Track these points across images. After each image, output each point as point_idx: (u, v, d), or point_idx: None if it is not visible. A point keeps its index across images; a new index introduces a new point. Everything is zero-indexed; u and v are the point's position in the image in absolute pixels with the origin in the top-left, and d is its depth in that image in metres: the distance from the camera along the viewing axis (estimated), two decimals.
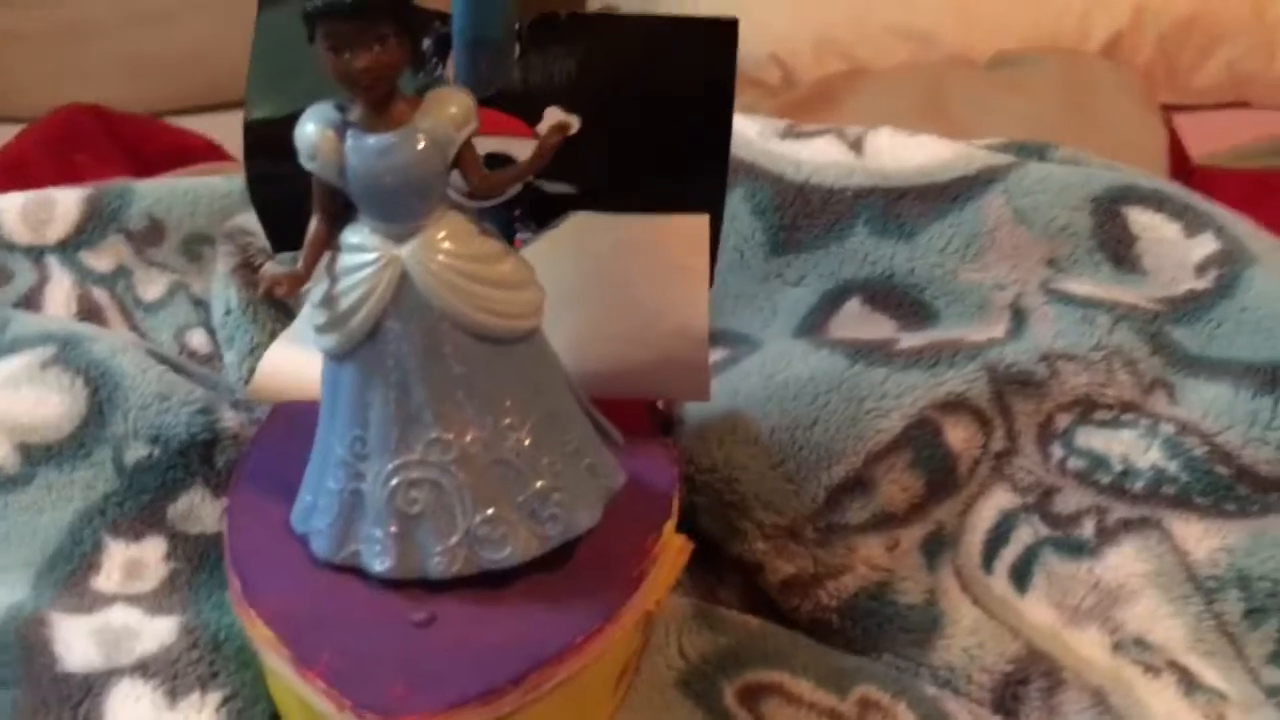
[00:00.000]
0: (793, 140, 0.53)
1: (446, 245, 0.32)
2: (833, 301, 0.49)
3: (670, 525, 0.37)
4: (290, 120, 0.33)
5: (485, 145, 0.37)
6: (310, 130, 0.32)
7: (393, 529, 0.33)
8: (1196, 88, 1.26)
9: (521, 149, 0.35)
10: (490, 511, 0.33)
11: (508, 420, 0.33)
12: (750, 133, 0.53)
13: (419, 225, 0.32)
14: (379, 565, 0.33)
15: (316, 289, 0.33)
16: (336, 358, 0.33)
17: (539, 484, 0.33)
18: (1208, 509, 0.42)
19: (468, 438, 0.33)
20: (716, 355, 0.49)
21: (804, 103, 0.93)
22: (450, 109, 0.32)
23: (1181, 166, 0.80)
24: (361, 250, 0.32)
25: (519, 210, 0.39)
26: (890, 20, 1.21)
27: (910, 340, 0.46)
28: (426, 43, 0.36)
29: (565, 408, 0.35)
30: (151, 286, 0.56)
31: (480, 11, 0.35)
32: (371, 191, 0.32)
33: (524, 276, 0.33)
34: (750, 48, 1.28)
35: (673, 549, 0.38)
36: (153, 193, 0.58)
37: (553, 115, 0.36)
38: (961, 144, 0.51)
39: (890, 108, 0.90)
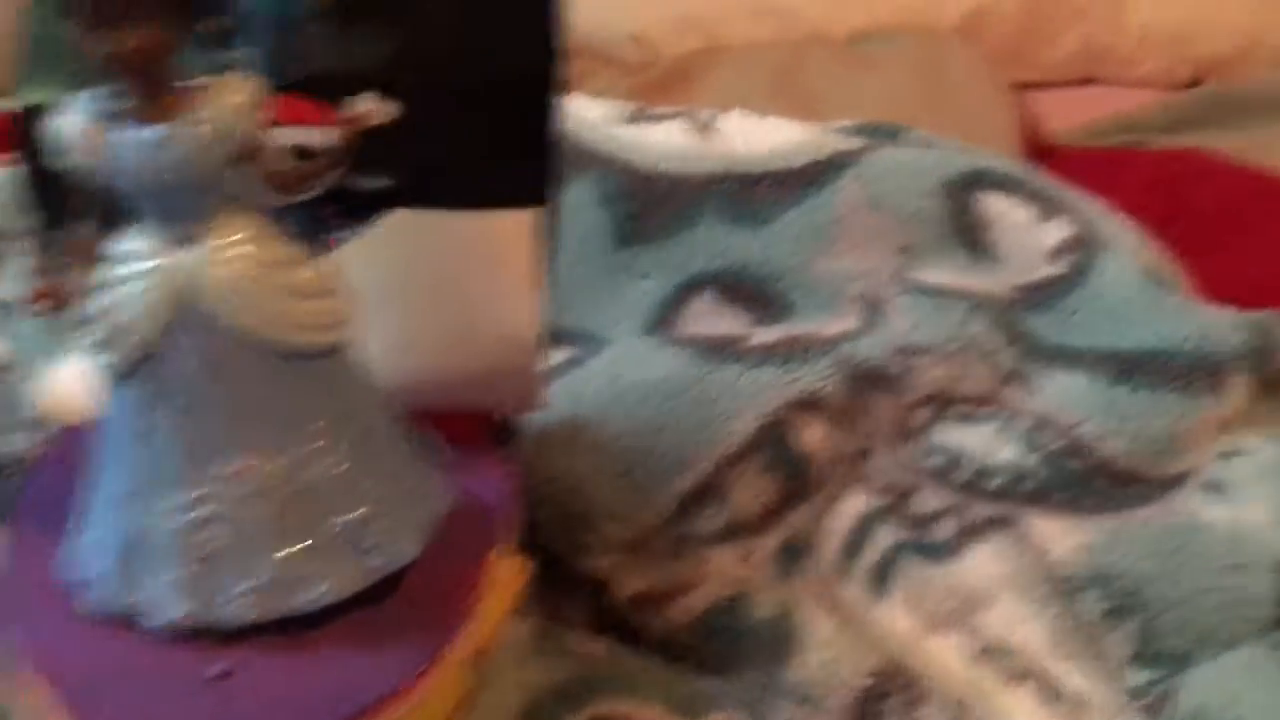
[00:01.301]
0: (639, 125, 0.50)
1: (235, 250, 0.28)
2: (683, 295, 0.47)
3: (504, 550, 0.35)
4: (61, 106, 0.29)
5: (289, 136, 0.33)
6: (67, 121, 0.28)
7: (184, 572, 0.29)
8: (1051, 64, 1.27)
9: (329, 140, 0.32)
10: (300, 546, 0.30)
11: (318, 443, 0.30)
12: (593, 117, 0.50)
13: (202, 228, 0.28)
14: (169, 614, 0.29)
15: (90, 301, 0.29)
16: (115, 378, 0.29)
17: (358, 511, 0.30)
18: (1065, 505, 0.40)
19: (270, 465, 0.29)
20: (560, 355, 0.46)
21: (659, 83, 0.91)
22: (236, 96, 0.28)
23: (1036, 146, 0.80)
24: (136, 258, 0.29)
25: (331, 208, 0.35)
26: None
27: (762, 335, 0.44)
28: (220, 20, 0.32)
29: (382, 426, 0.32)
30: None
31: None
32: (146, 190, 0.28)
33: (327, 284, 0.30)
34: (609, 27, 1.25)
35: (507, 575, 0.35)
36: None
37: (363, 103, 0.32)
38: (814, 127, 0.49)
39: (746, 86, 0.88)
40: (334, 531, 0.30)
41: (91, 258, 0.29)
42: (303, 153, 0.33)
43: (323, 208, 0.35)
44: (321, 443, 0.30)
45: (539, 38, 0.32)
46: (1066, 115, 1.01)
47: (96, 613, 0.30)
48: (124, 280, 0.28)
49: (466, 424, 0.39)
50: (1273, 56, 1.20)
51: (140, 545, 0.30)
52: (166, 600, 0.29)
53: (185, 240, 0.28)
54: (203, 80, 0.28)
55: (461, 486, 0.34)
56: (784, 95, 0.84)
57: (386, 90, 0.32)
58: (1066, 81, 1.26)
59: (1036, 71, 1.23)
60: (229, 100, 0.28)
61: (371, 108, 0.31)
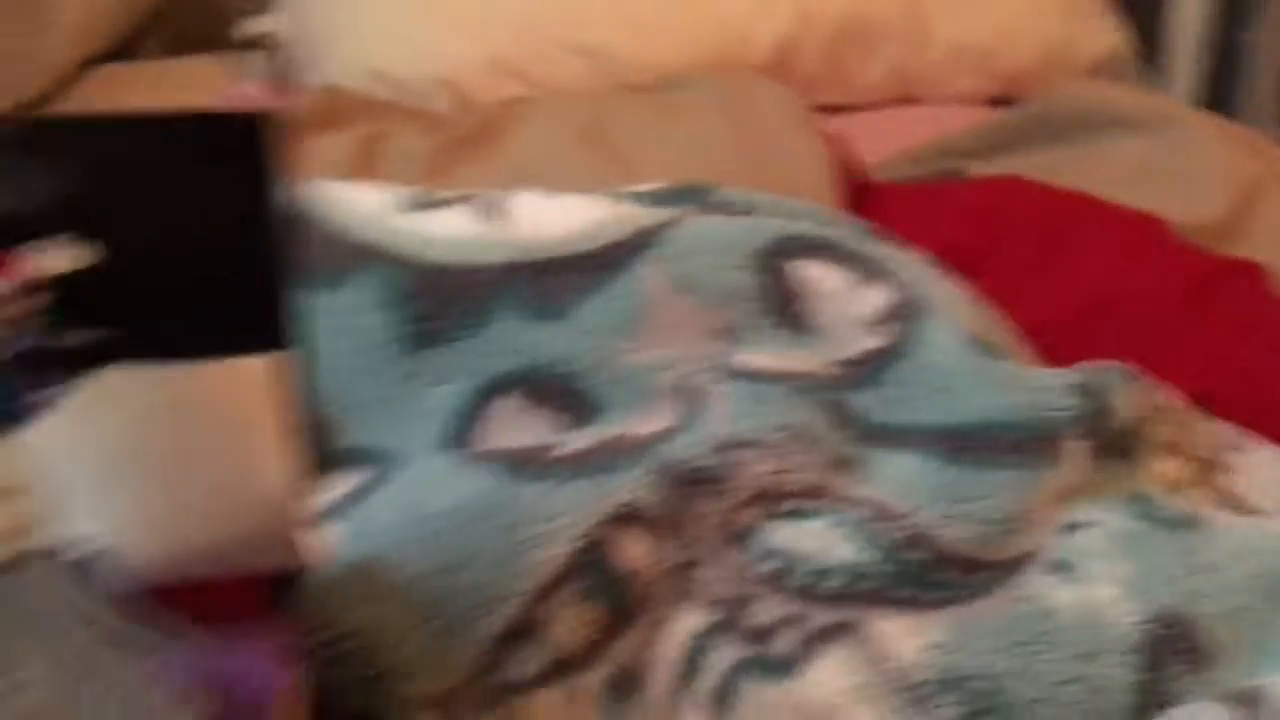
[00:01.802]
0: (422, 212, 0.45)
1: None
2: (482, 400, 0.42)
3: None
4: None
5: None
6: None
7: None
8: (863, 86, 1.27)
9: (4, 292, 0.26)
10: None
11: (15, 674, 0.24)
12: (368, 208, 0.45)
13: None
14: None
15: None
16: None
17: None
18: (908, 602, 0.38)
19: None
20: (349, 483, 0.41)
21: (466, 140, 0.86)
22: None
23: (853, 183, 0.78)
24: None
25: (25, 371, 0.29)
26: (561, 36, 1.16)
27: (571, 443, 0.40)
28: None
29: (98, 639, 0.26)
30: None
31: None
32: None
33: (9, 481, 0.24)
34: (419, 74, 1.20)
35: None
36: None
37: (51, 248, 0.27)
38: (612, 202, 0.46)
39: (554, 141, 0.85)
40: None
41: None
42: None
43: (14, 372, 0.29)
44: (19, 674, 0.24)
45: (250, 165, 0.27)
46: (883, 139, 1.01)
47: None
48: None
49: (234, 590, 0.34)
50: (1073, 66, 1.23)
51: None
52: None
53: None
54: None
55: (224, 672, 0.29)
56: (593, 148, 0.81)
57: (84, 232, 0.27)
58: (879, 104, 1.27)
59: (848, 96, 1.23)
60: None
61: (61, 254, 0.25)
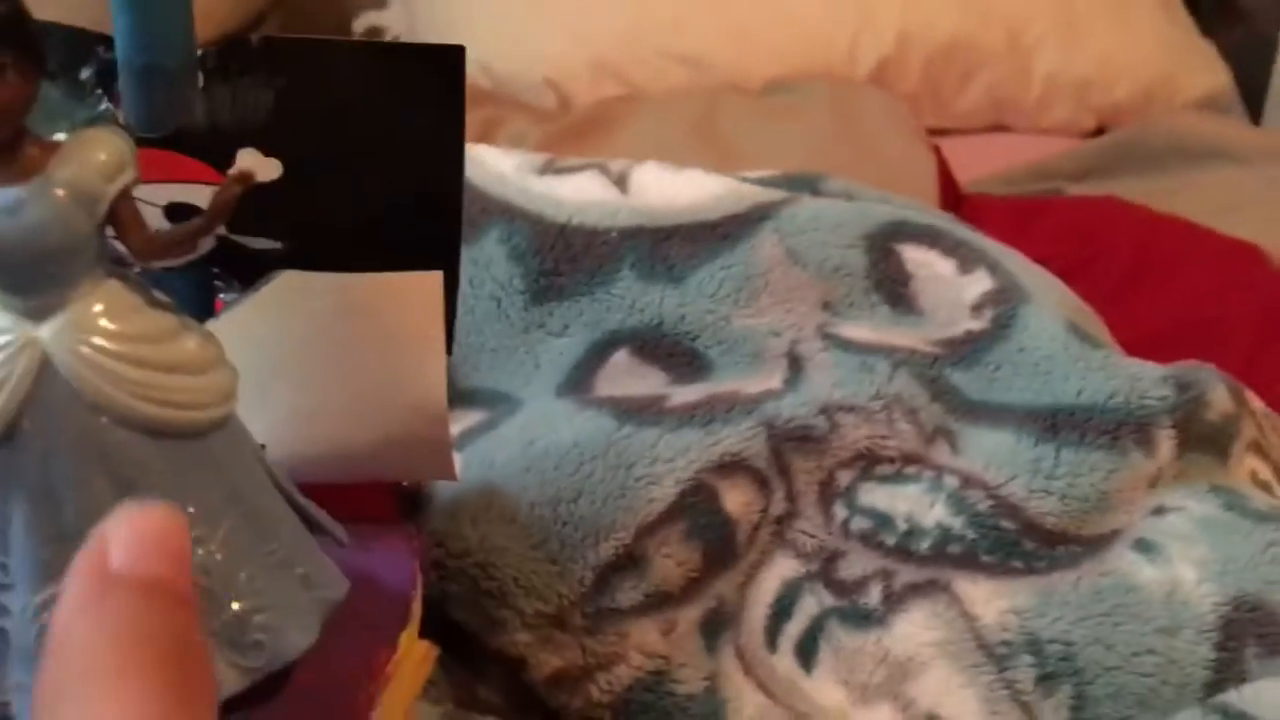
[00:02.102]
0: (552, 176, 0.48)
1: (102, 323, 0.25)
2: (599, 353, 0.45)
3: (409, 633, 0.32)
4: None
5: (166, 193, 0.31)
6: None
7: None
8: (960, 112, 1.29)
9: (206, 198, 0.29)
10: None
11: (193, 532, 0.27)
12: (505, 168, 0.48)
13: (63, 298, 0.26)
14: None
15: None
16: None
17: (236, 606, 0.27)
18: (994, 568, 0.39)
19: None
20: (471, 419, 0.44)
21: (575, 130, 0.90)
22: (98, 155, 0.25)
23: (950, 193, 0.80)
24: None
25: (217, 268, 0.33)
26: (664, 45, 1.20)
27: (682, 395, 0.42)
28: (87, 72, 0.30)
29: (267, 507, 0.29)
30: None
31: (150, 33, 0.28)
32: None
33: (209, 356, 0.27)
34: (525, 73, 1.25)
35: (413, 661, 0.32)
36: None
37: (246, 158, 0.30)
38: (731, 179, 0.48)
39: (663, 135, 0.88)
40: (211, 629, 0.27)
41: None
42: (179, 211, 0.31)
43: (208, 269, 0.33)
44: (196, 531, 0.27)
45: (444, 95, 0.30)
46: (977, 163, 1.03)
47: None
48: None
49: (372, 496, 0.37)
50: (1171, 103, 1.23)
51: (1, 647, 0.27)
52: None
53: (43, 312, 0.25)
54: (63, 136, 0.26)
55: (365, 564, 0.32)
56: (702, 143, 0.83)
57: (270, 146, 0.30)
58: (974, 130, 1.28)
59: (944, 120, 1.25)
60: (89, 159, 0.25)
61: (247, 169, 0.28)
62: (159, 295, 0.27)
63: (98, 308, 0.25)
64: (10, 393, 0.25)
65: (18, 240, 0.24)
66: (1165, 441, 0.41)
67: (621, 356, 0.45)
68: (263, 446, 0.33)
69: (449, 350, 0.33)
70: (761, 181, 0.51)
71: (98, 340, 0.25)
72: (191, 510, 0.27)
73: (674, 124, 0.88)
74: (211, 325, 0.33)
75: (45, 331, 0.25)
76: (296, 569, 0.29)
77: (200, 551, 0.27)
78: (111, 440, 0.26)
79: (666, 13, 1.21)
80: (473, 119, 0.98)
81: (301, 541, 0.30)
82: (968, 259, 0.46)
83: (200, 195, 0.30)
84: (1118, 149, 0.98)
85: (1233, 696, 0.35)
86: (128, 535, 0.21)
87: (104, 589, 0.21)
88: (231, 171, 0.27)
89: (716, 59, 1.19)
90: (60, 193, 0.24)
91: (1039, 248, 0.72)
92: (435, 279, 0.32)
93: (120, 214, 0.26)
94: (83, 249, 0.25)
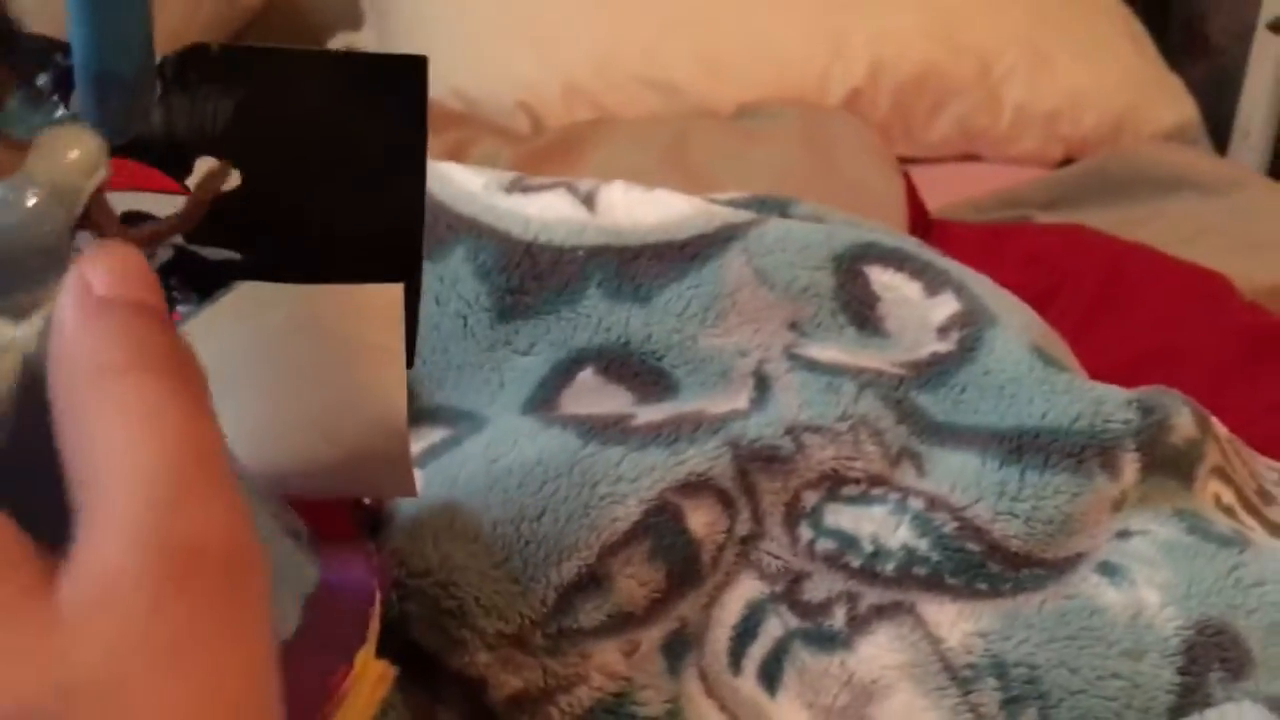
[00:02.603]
0: (519, 194, 0.48)
1: None
2: (565, 372, 0.44)
3: (365, 652, 0.32)
4: None
5: (123, 201, 0.30)
6: None
7: None
8: (930, 141, 1.30)
9: (162, 206, 0.29)
10: None
11: None
12: (473, 186, 0.48)
13: (37, 299, 0.25)
14: None
15: None
16: None
17: None
18: (960, 589, 0.39)
19: None
20: (435, 436, 0.43)
21: (546, 153, 0.90)
22: (71, 152, 0.25)
23: (919, 219, 0.80)
24: None
25: (174, 278, 0.32)
26: (637, 70, 1.20)
27: (648, 415, 0.42)
28: (43, 79, 0.29)
29: (253, 495, 0.29)
30: None
31: (107, 40, 0.28)
32: None
33: None
34: (498, 95, 1.25)
35: (369, 680, 0.32)
36: None
37: (204, 165, 0.30)
38: (699, 200, 0.48)
39: (634, 158, 0.88)
40: None
41: None
42: (135, 219, 0.30)
43: (165, 281, 0.32)
44: None
45: (407, 105, 0.30)
46: (946, 191, 1.03)
47: None
48: None
49: (331, 512, 0.36)
50: (1139, 134, 1.25)
51: None
52: None
53: (18, 313, 0.25)
54: (36, 134, 0.25)
55: (322, 581, 0.31)
56: (672, 167, 0.84)
57: (229, 155, 0.30)
58: (944, 159, 1.29)
59: (915, 149, 1.26)
60: (63, 157, 0.25)
61: (222, 165, 0.28)
62: None
63: None
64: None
65: None
66: (1129, 465, 0.41)
67: (587, 375, 0.44)
68: None
69: (410, 364, 0.33)
70: (731, 203, 0.51)
71: None
72: None
73: (645, 147, 0.88)
74: None
75: (20, 333, 0.25)
76: (274, 558, 0.28)
77: None
78: None
79: (640, 39, 1.21)
80: (444, 140, 0.98)
81: (275, 532, 0.29)
82: (935, 281, 0.47)
83: (157, 203, 0.30)
84: (1086, 178, 0.99)
85: None
86: (108, 266, 0.23)
87: (99, 308, 0.22)
88: (205, 171, 0.27)
89: (689, 86, 1.20)
90: (38, 190, 0.24)
91: (1007, 274, 0.72)
92: (396, 291, 0.31)
93: (94, 212, 0.25)
94: (58, 247, 0.25)
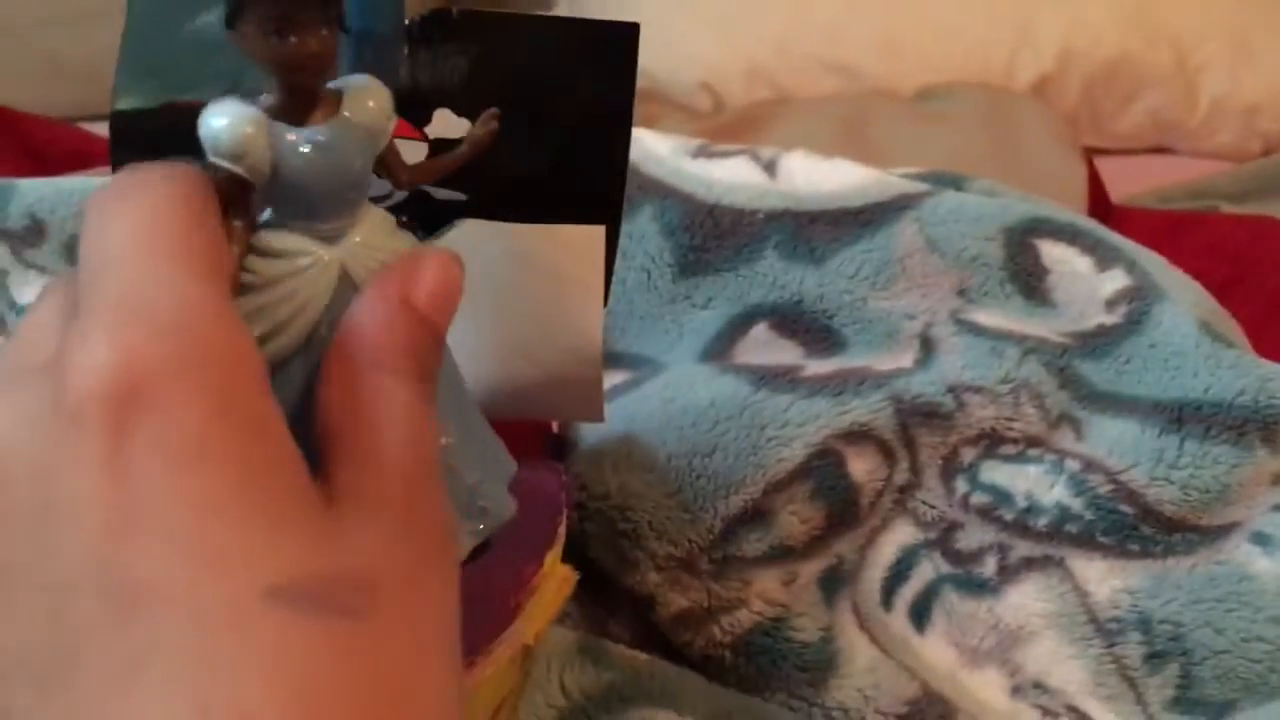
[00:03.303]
0: (705, 160, 0.51)
1: (379, 241, 0.29)
2: (739, 326, 0.48)
3: (553, 554, 0.35)
4: (160, 112, 0.30)
5: None
6: (237, 126, 0.28)
7: None
8: (1119, 133, 1.27)
9: (408, 151, 0.33)
10: None
11: (439, 418, 0.31)
12: (662, 150, 0.51)
13: (349, 223, 0.30)
14: None
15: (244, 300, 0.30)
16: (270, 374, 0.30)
17: (470, 479, 0.31)
18: (1111, 548, 0.41)
19: None
20: (617, 378, 0.47)
21: (727, 129, 0.93)
22: (374, 100, 0.29)
23: (1100, 207, 0.80)
24: (294, 255, 0.29)
25: (405, 216, 0.37)
26: (817, 53, 1.22)
27: (816, 367, 0.44)
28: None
29: (469, 400, 0.33)
30: (28, 289, 0.53)
31: (367, 2, 0.33)
32: (306, 190, 0.29)
33: None
34: (681, 75, 1.28)
35: (555, 580, 0.36)
36: (35, 191, 0.55)
37: (441, 118, 0.34)
38: (876, 170, 0.50)
39: (813, 135, 0.90)
40: (460, 497, 0.30)
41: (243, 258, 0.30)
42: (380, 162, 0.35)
43: (397, 218, 0.37)
44: (440, 418, 0.29)
45: (622, 62, 0.33)
46: (1136, 182, 1.02)
47: None
48: (282, 278, 0.29)
49: (526, 432, 0.41)
50: None
51: None
52: None
53: (333, 236, 0.29)
54: (339, 84, 0.29)
55: (517, 491, 0.35)
56: (851, 146, 0.85)
57: (464, 107, 0.34)
58: (1134, 150, 1.26)
59: (1103, 140, 1.24)
60: (369, 102, 0.29)
61: (447, 124, 0.32)
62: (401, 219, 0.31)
63: (373, 229, 0.29)
64: (314, 306, 0.28)
65: (327, 170, 0.28)
66: None
67: (760, 329, 0.47)
68: None
69: (605, 302, 0.37)
70: (907, 177, 0.53)
71: (381, 256, 0.29)
72: (440, 399, 0.30)
73: (824, 125, 0.90)
74: None
75: (339, 252, 0.29)
76: (494, 452, 0.33)
77: (444, 439, 0.30)
78: None
79: (823, 21, 1.23)
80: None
81: (489, 431, 0.33)
82: (1106, 257, 0.48)
83: (400, 148, 0.35)
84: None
85: None
86: (435, 284, 0.27)
87: (408, 316, 0.27)
88: (485, 115, 0.31)
89: (869, 69, 1.20)
90: (359, 131, 0.29)
91: (1188, 262, 0.71)
92: (599, 233, 0.35)
93: (389, 149, 0.30)
94: (366, 181, 0.29)
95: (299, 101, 0.28)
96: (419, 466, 0.25)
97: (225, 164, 0.28)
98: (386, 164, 0.30)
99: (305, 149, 0.28)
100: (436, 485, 0.26)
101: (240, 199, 0.29)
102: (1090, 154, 1.01)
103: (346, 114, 0.29)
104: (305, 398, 0.30)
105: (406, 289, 0.27)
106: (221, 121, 0.28)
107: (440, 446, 0.29)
